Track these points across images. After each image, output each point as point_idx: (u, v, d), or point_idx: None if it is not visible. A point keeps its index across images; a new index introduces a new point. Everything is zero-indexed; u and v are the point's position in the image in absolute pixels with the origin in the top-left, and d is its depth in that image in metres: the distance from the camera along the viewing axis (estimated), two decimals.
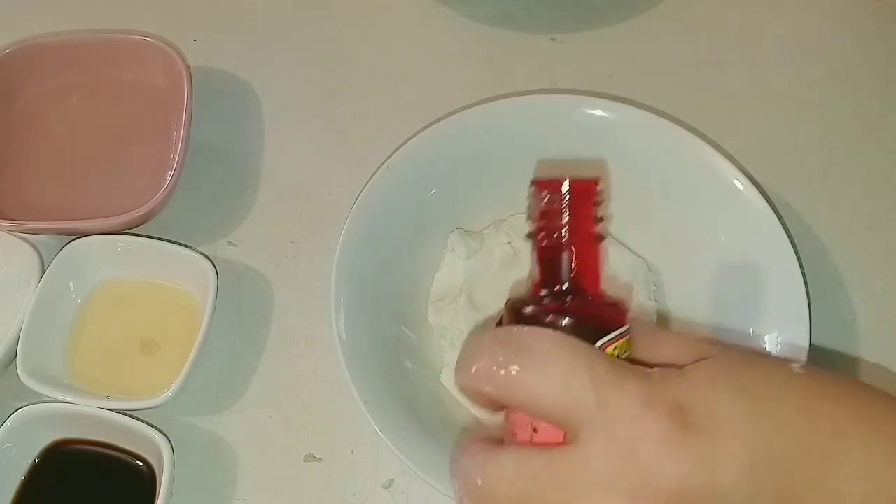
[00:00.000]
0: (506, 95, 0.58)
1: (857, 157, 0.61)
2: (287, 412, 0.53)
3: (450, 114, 0.56)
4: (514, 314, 0.33)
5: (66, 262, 0.54)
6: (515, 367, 0.30)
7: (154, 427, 0.49)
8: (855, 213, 0.59)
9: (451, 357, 0.52)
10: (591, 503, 0.29)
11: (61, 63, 0.62)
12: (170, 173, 0.57)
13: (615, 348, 0.32)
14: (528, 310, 0.33)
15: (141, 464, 0.50)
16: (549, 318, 0.32)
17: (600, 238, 0.34)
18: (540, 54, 0.65)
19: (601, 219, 0.34)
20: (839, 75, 0.64)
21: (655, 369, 0.31)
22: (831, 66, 0.65)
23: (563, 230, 0.34)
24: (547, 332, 0.31)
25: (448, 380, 0.52)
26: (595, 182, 0.34)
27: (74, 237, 0.55)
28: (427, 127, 0.55)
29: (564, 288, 0.34)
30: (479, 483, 0.31)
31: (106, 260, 0.55)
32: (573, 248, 0.34)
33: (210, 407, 0.53)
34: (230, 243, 0.59)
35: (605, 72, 0.64)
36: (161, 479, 0.47)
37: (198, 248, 0.55)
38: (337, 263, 0.51)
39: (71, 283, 0.55)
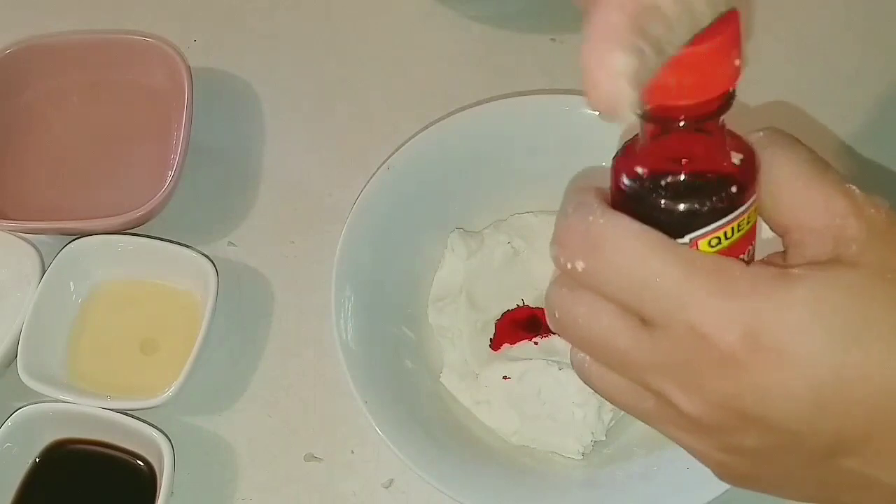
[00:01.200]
0: (506, 95, 0.58)
1: (856, 157, 0.61)
2: (287, 412, 0.53)
3: (450, 114, 0.56)
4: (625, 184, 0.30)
5: (67, 262, 0.54)
6: (581, 264, 0.29)
7: (154, 427, 0.49)
8: None
9: (451, 357, 0.52)
10: (652, 378, 0.29)
11: (61, 63, 0.62)
12: (170, 173, 0.57)
13: (724, 233, 0.29)
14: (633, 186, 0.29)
15: (141, 463, 0.50)
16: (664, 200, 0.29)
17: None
18: (540, 54, 0.65)
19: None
20: (840, 73, 0.64)
21: (748, 275, 0.27)
22: (831, 65, 0.65)
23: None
24: (620, 225, 0.28)
25: (448, 380, 0.52)
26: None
27: (75, 237, 0.55)
28: (427, 127, 0.55)
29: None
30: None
31: (106, 260, 0.55)
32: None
33: (210, 407, 0.53)
34: (230, 243, 0.59)
35: None
36: (161, 479, 0.47)
37: (198, 248, 0.55)
38: (337, 263, 0.51)
39: (71, 283, 0.55)
